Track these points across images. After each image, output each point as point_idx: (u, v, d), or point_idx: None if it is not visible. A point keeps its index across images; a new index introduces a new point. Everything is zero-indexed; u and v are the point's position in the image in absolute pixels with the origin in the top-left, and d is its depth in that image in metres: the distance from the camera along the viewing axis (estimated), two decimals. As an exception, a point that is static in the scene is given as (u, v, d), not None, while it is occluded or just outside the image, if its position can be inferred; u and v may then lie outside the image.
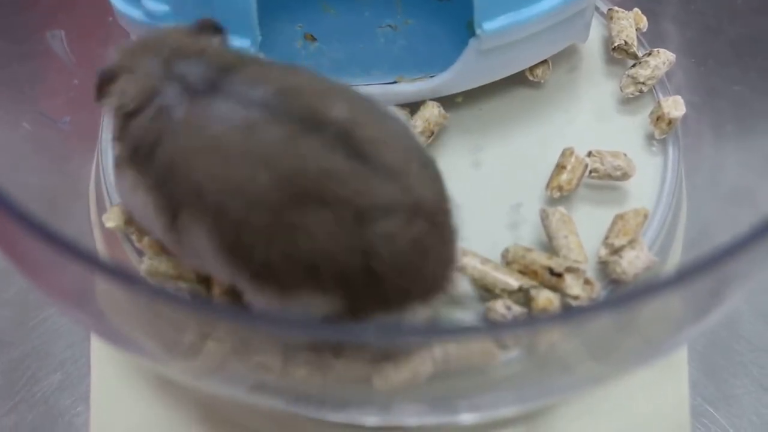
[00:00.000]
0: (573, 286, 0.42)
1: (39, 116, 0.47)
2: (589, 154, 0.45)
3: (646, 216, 0.44)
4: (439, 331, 0.36)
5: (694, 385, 0.47)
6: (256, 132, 0.36)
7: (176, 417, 0.44)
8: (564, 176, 0.45)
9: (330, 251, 0.35)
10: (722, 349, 0.50)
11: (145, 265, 0.42)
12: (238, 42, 0.45)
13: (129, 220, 0.43)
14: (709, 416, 0.47)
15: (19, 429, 0.47)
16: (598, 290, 0.43)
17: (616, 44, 0.50)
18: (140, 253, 0.43)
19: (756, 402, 0.48)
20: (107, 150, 0.47)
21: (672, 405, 0.45)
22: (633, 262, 0.43)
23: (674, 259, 0.46)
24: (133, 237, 0.43)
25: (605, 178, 0.46)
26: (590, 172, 0.45)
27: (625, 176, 0.45)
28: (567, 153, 0.45)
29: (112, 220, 0.43)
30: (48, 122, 0.47)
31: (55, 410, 0.48)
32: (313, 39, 0.50)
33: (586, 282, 0.42)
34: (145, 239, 0.43)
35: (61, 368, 0.49)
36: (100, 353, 0.46)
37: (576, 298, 0.42)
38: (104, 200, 0.46)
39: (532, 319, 0.39)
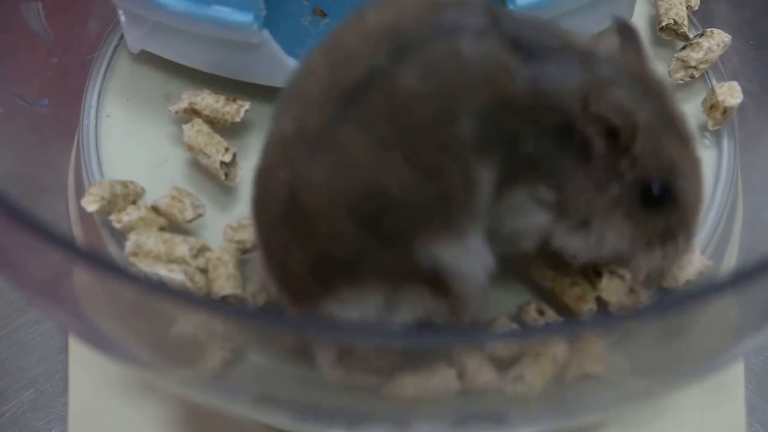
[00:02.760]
0: (610, 290, 0.39)
1: (13, 98, 0.44)
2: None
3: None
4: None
5: (751, 409, 0.44)
6: None
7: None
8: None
9: None
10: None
11: (130, 243, 0.40)
12: (239, 16, 0.42)
13: (112, 200, 0.40)
14: (766, 443, 0.44)
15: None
16: (645, 300, 0.40)
17: (664, 23, 0.47)
18: (120, 241, 0.41)
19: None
20: (89, 136, 0.44)
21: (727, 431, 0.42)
22: (684, 266, 0.40)
23: (729, 263, 0.44)
24: (112, 218, 0.41)
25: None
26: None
27: None
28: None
29: (92, 202, 0.40)
30: (23, 105, 0.44)
31: (26, 432, 0.44)
32: (323, 14, 0.47)
33: (631, 291, 0.39)
34: (127, 218, 0.40)
35: (33, 385, 0.45)
36: (79, 367, 0.43)
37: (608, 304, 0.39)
38: (84, 191, 0.42)
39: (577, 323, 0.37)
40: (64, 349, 0.44)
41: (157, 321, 0.32)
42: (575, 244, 0.37)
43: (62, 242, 0.29)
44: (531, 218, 0.36)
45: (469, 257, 0.35)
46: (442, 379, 0.34)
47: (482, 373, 0.34)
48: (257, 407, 0.35)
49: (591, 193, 0.36)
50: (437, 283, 0.34)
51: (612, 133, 0.35)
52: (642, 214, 0.37)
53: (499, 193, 0.35)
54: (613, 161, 0.36)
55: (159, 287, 0.30)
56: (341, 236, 0.33)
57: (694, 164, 0.37)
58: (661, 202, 0.36)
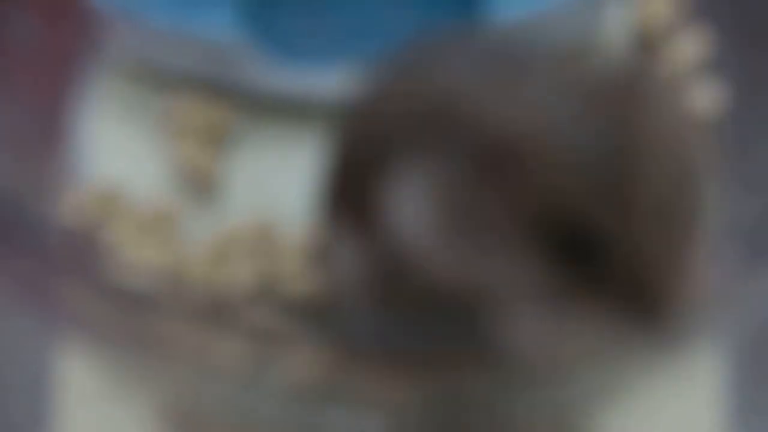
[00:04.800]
0: None
1: (9, 104, 0.46)
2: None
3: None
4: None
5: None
6: None
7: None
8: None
9: None
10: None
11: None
12: (221, 18, 0.44)
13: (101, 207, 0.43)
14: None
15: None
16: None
17: (641, 22, 0.48)
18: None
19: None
20: (83, 141, 0.46)
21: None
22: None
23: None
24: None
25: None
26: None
27: None
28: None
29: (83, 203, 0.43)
30: (20, 110, 0.46)
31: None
32: (312, 18, 0.48)
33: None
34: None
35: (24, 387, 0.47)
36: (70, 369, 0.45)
37: None
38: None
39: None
40: (54, 352, 0.46)
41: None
42: None
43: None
44: None
45: None
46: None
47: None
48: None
49: None
50: None
51: None
52: None
53: None
54: None
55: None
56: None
57: None
58: None
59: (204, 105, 0.46)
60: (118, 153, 0.46)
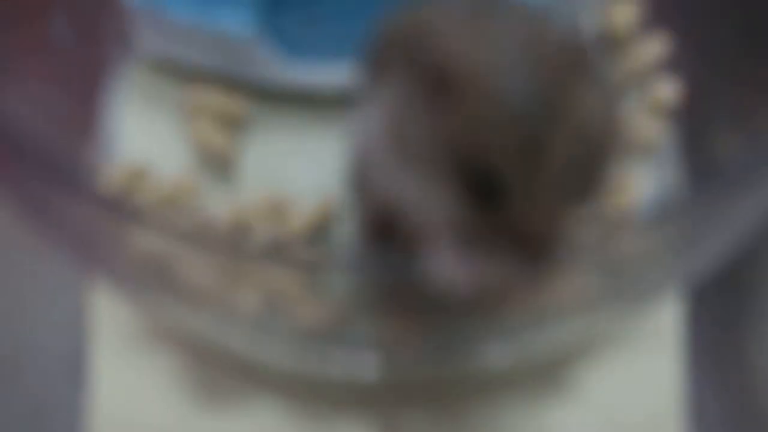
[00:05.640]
0: None
1: (42, 99, 0.51)
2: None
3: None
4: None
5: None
6: None
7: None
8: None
9: None
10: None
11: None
12: (238, 18, 0.49)
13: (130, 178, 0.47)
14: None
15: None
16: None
17: (607, 26, 0.53)
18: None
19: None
20: (109, 130, 0.51)
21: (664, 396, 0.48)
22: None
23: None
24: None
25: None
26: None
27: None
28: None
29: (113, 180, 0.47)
30: (52, 103, 0.51)
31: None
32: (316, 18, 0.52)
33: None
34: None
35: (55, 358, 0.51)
36: (102, 337, 0.49)
37: None
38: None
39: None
40: (82, 317, 0.50)
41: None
42: None
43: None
44: None
45: None
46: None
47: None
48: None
49: None
50: None
51: None
52: None
53: None
54: None
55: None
56: None
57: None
58: None
59: (221, 94, 0.51)
60: (144, 134, 0.51)
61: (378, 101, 0.38)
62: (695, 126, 0.53)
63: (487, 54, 0.34)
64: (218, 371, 0.47)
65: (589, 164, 0.35)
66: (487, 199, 0.34)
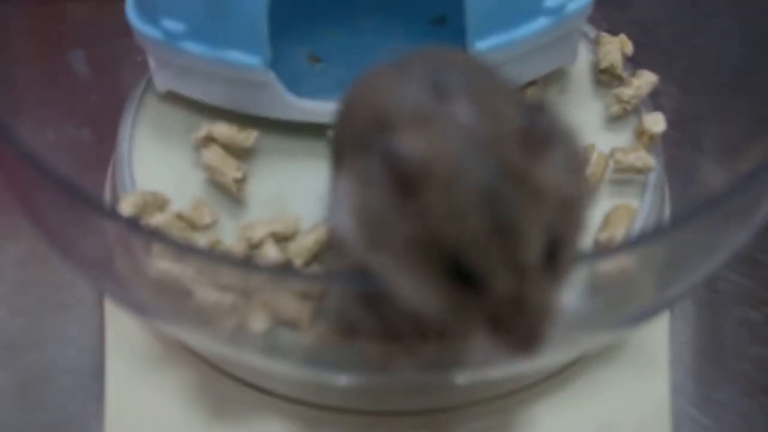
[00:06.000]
0: None
1: (61, 127, 0.54)
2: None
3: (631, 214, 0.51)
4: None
5: (678, 390, 0.52)
6: None
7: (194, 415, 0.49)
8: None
9: None
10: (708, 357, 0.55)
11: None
12: (249, 60, 0.52)
13: (144, 207, 0.50)
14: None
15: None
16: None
17: (603, 66, 0.57)
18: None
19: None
20: (123, 160, 0.54)
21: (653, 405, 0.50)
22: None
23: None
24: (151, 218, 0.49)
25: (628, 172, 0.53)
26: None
27: (646, 168, 0.53)
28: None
29: (128, 207, 0.49)
30: (70, 133, 0.54)
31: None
32: (318, 60, 0.57)
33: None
34: (155, 222, 0.49)
35: (71, 370, 0.54)
36: (115, 349, 0.51)
37: None
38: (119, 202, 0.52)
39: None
40: (100, 335, 0.52)
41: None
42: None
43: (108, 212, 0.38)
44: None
45: None
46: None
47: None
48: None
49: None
50: None
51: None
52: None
53: None
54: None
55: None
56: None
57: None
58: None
59: (230, 125, 0.53)
60: (158, 163, 0.54)
61: (344, 180, 0.39)
62: (680, 155, 0.56)
63: (442, 145, 0.35)
64: (228, 389, 0.50)
65: (566, 225, 0.35)
66: (466, 283, 0.35)
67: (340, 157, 0.42)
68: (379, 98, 0.40)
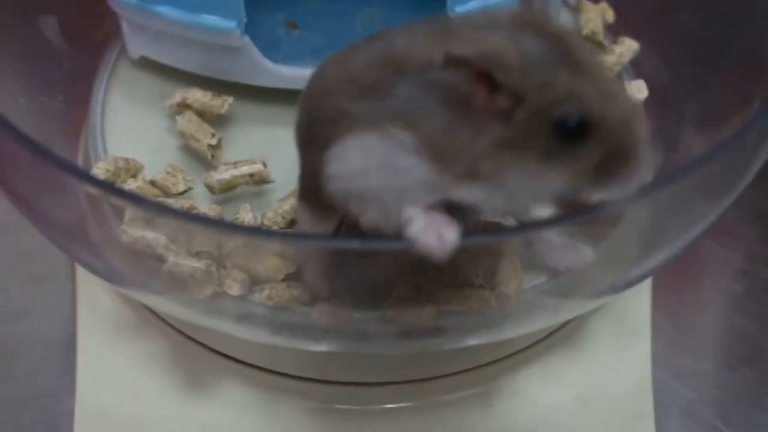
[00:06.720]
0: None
1: (34, 94, 0.53)
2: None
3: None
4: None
5: (659, 359, 0.52)
6: None
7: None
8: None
9: None
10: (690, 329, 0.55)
11: (129, 211, 0.46)
12: (224, 24, 0.51)
13: (116, 173, 0.49)
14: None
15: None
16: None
17: (584, 33, 0.57)
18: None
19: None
20: (96, 127, 0.53)
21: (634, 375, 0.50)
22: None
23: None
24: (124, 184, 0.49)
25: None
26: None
27: None
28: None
29: (100, 173, 0.49)
30: (42, 100, 0.53)
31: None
32: (295, 26, 0.57)
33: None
34: (128, 188, 0.49)
35: (43, 344, 0.53)
36: (86, 323, 0.51)
37: None
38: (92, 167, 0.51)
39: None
40: (72, 307, 0.52)
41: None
42: (477, 196, 0.38)
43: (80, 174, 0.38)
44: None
45: None
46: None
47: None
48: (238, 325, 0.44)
49: (467, 139, 0.37)
50: None
51: (480, 76, 0.36)
52: (562, 151, 0.37)
53: None
54: (490, 103, 0.36)
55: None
56: None
57: (607, 87, 0.37)
58: (576, 132, 0.36)
59: (205, 91, 0.53)
60: (131, 129, 0.53)
61: (365, 138, 0.39)
62: (661, 125, 0.55)
63: (489, 41, 0.36)
64: (201, 358, 0.49)
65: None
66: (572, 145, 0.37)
67: (326, 129, 0.41)
68: (388, 50, 0.40)
